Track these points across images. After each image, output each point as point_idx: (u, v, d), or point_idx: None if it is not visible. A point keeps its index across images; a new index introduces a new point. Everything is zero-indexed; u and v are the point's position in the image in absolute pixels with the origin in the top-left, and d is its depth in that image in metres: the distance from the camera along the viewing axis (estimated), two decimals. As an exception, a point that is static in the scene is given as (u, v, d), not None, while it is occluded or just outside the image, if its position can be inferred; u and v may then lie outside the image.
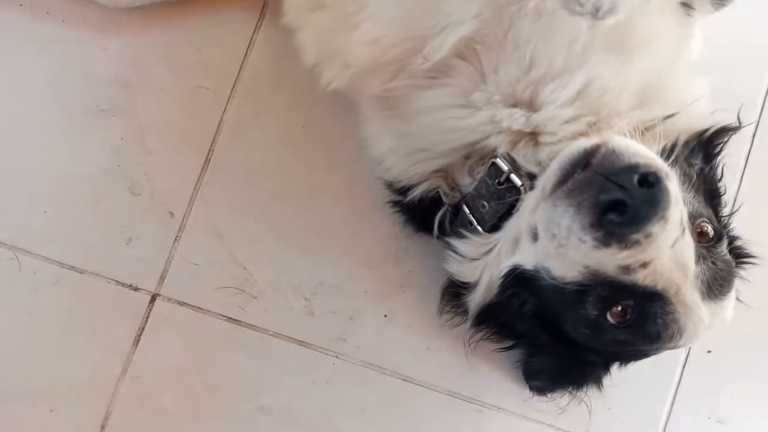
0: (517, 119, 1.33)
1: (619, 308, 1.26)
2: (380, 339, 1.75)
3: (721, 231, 1.32)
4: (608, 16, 1.12)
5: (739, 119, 1.50)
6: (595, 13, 1.12)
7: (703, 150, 1.41)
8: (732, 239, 1.46)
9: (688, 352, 1.80)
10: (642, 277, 1.20)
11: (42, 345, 1.68)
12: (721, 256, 1.30)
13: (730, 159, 1.71)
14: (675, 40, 1.40)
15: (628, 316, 1.27)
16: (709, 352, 1.81)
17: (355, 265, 1.75)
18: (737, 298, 1.51)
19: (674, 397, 1.80)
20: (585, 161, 1.17)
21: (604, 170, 1.14)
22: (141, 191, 1.70)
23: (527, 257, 1.33)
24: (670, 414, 1.79)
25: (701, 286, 1.26)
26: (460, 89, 1.37)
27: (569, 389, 1.61)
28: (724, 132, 1.44)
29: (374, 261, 1.75)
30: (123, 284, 1.70)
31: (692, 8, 1.43)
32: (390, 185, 1.58)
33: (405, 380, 1.75)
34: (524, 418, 1.76)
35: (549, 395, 1.69)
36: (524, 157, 1.36)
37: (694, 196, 1.32)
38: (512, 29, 1.29)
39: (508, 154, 1.36)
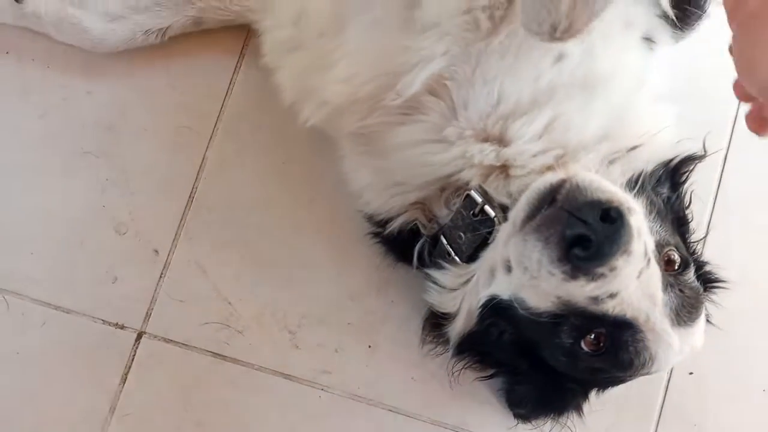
0: (487, 154, 1.37)
1: (593, 336, 1.30)
2: (365, 370, 1.77)
3: (688, 258, 1.35)
4: (566, 36, 1.15)
5: (704, 147, 1.53)
6: (553, 33, 1.15)
7: (669, 179, 1.45)
8: (701, 265, 1.49)
9: (670, 375, 1.82)
10: (611, 307, 1.23)
11: (30, 386, 1.70)
12: (688, 284, 1.33)
13: (701, 185, 1.76)
14: (637, 73, 1.44)
15: (602, 344, 1.30)
16: (691, 374, 1.83)
17: (338, 297, 1.77)
18: (709, 321, 1.54)
19: (658, 421, 1.81)
20: (551, 197, 1.21)
21: (568, 206, 1.18)
22: (126, 230, 1.73)
23: (503, 288, 1.37)
24: (655, 435, 1.81)
25: (670, 314, 1.29)
26: (432, 125, 1.40)
27: (551, 416, 1.62)
28: (689, 161, 1.48)
29: (357, 292, 1.78)
30: (109, 323, 1.72)
31: (654, 42, 1.46)
32: (370, 218, 1.62)
33: (391, 411, 1.76)
34: (511, 446, 1.77)
35: (533, 422, 1.69)
36: (496, 189, 1.39)
37: (661, 225, 1.36)
38: (479, 66, 1.33)
39: (481, 187, 1.39)
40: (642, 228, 1.22)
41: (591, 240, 1.14)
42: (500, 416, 1.76)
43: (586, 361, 1.33)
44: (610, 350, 1.30)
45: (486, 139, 1.38)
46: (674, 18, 1.42)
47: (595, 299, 1.22)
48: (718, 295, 1.54)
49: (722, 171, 1.87)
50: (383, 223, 1.59)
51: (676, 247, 1.34)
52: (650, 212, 1.36)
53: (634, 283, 1.22)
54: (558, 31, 1.15)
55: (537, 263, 1.20)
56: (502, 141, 1.38)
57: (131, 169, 1.76)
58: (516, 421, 1.72)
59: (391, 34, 1.35)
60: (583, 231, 1.14)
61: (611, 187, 1.23)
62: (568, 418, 1.64)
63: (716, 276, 1.53)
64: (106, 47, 1.70)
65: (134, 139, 1.77)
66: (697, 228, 1.74)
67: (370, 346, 1.77)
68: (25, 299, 1.70)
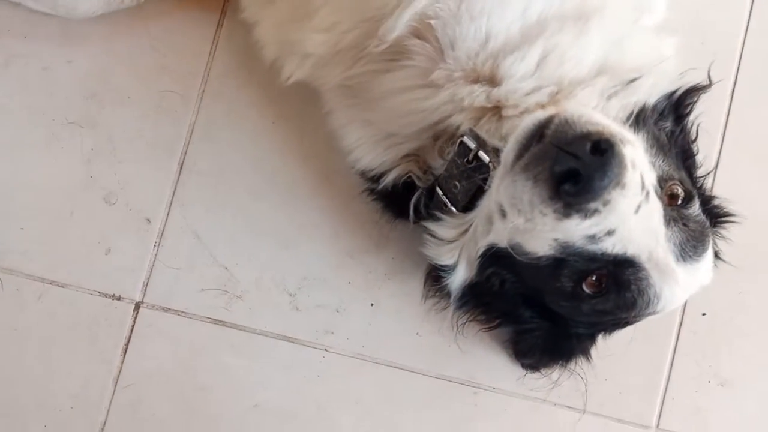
0: (478, 95, 1.31)
1: (594, 278, 1.26)
2: (368, 329, 1.73)
3: (692, 191, 1.29)
4: None
5: (709, 77, 1.47)
6: None
7: (673, 112, 1.39)
8: (708, 199, 1.44)
9: (683, 316, 1.78)
10: (611, 245, 1.18)
11: (30, 362, 1.68)
12: (693, 217, 1.27)
13: (710, 117, 1.70)
14: (633, 3, 1.37)
15: (604, 285, 1.26)
16: (704, 314, 1.78)
17: (337, 256, 1.74)
18: (719, 258, 1.49)
19: (672, 363, 1.77)
20: (540, 133, 1.15)
21: (557, 141, 1.12)
22: (116, 200, 1.70)
23: (500, 235, 1.32)
24: (669, 380, 1.77)
25: (674, 249, 1.24)
26: (419, 69, 1.35)
27: (560, 363, 1.58)
28: (693, 92, 1.42)
29: (356, 250, 1.74)
30: (106, 295, 1.69)
31: None
32: (362, 174, 1.57)
33: (397, 368, 1.73)
34: (521, 397, 1.74)
35: (542, 371, 1.66)
36: (489, 132, 1.34)
37: (663, 159, 1.30)
38: (464, 1, 1.27)
39: (472, 131, 1.34)
40: (637, 159, 1.16)
41: (581, 173, 1.08)
42: (508, 367, 1.72)
43: (589, 303, 1.29)
44: (612, 290, 1.25)
45: (476, 80, 1.32)
46: None
47: (593, 238, 1.17)
48: (727, 231, 1.48)
49: (731, 102, 1.80)
50: (376, 179, 1.54)
51: (681, 181, 1.28)
52: (652, 146, 1.30)
53: (632, 219, 1.16)
54: None
55: (529, 204, 1.15)
56: (493, 80, 1.32)
57: (117, 137, 1.72)
58: (525, 371, 1.68)
59: None
60: (572, 165, 1.08)
61: (603, 119, 1.17)
62: (576, 364, 1.60)
63: (725, 210, 1.48)
64: (82, 13, 1.65)
65: (118, 106, 1.72)
66: (705, 161, 1.70)
67: (372, 304, 1.74)
68: (18, 275, 1.68)
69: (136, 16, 1.72)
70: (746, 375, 1.78)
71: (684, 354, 1.77)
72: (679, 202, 1.26)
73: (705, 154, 1.73)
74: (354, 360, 1.73)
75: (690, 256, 1.26)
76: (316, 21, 1.39)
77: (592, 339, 1.51)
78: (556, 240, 1.21)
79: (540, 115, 1.17)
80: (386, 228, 1.70)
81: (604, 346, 1.69)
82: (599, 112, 1.30)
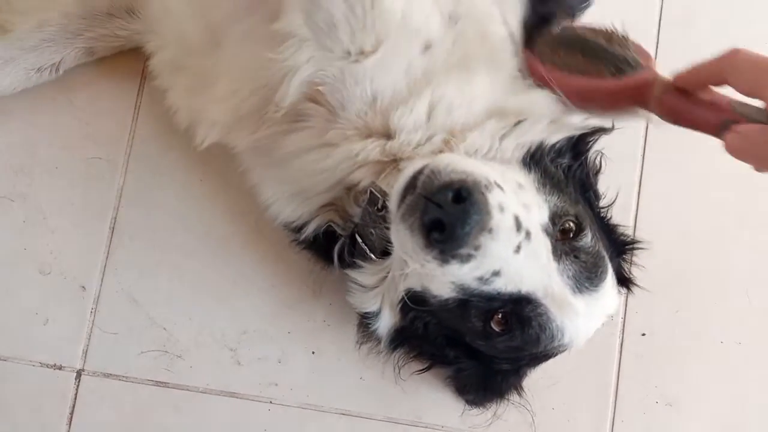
0: (372, 150, 1.34)
1: (499, 316, 1.28)
2: (312, 377, 1.75)
3: (583, 224, 1.30)
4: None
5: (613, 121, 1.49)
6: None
7: (571, 149, 1.40)
8: (612, 228, 1.46)
9: (622, 337, 1.79)
10: (502, 285, 1.21)
11: (-23, 438, 1.69)
12: (585, 249, 1.29)
13: (627, 144, 1.72)
14: None
15: (508, 323, 1.28)
16: (644, 335, 1.79)
17: (275, 307, 1.75)
18: (632, 284, 1.51)
19: (617, 387, 1.78)
20: (413, 184, 1.17)
21: (425, 191, 1.14)
22: (50, 270, 1.72)
23: (414, 280, 1.34)
24: (616, 404, 1.78)
25: (569, 282, 1.26)
26: (316, 130, 1.38)
27: (496, 399, 1.59)
28: (594, 133, 1.43)
29: (293, 300, 1.75)
30: (47, 365, 1.71)
31: None
32: (285, 226, 1.58)
33: (344, 414, 1.74)
34: (469, 433, 1.74)
35: (485, 406, 1.67)
36: (389, 185, 1.35)
37: (559, 196, 1.31)
38: (347, 68, 1.29)
39: (375, 184, 1.36)
40: (507, 202, 1.17)
41: (445, 223, 1.10)
42: (453, 405, 1.73)
43: (501, 341, 1.31)
44: (517, 327, 1.27)
45: (369, 135, 1.35)
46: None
47: (482, 279, 1.19)
48: (638, 256, 1.50)
49: (646, 130, 1.83)
50: (298, 230, 1.56)
51: (576, 215, 1.30)
52: (545, 184, 1.31)
53: (515, 259, 1.18)
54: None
55: (413, 251, 1.18)
56: (386, 134, 1.35)
57: (48, 208, 1.74)
58: (468, 407, 1.69)
59: (259, 48, 1.32)
60: (436, 215, 1.11)
61: (469, 166, 1.18)
62: (518, 396, 1.61)
63: (630, 238, 1.50)
64: (1, 90, 1.68)
65: (47, 177, 1.75)
66: (628, 187, 1.73)
67: (313, 352, 1.75)
68: (-41, 351, 1.69)
69: (57, 87, 1.74)
70: (693, 393, 1.79)
71: (628, 376, 1.78)
72: (571, 236, 1.28)
73: (628, 180, 1.78)
74: (300, 410, 1.74)
75: (586, 287, 1.27)
76: (216, 89, 1.43)
77: (517, 374, 1.52)
78: (453, 283, 1.23)
79: (416, 165, 1.19)
80: (321, 276, 1.70)
81: (548, 375, 1.71)
82: (494, 153, 1.32)
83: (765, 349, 1.81)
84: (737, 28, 1.88)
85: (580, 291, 1.27)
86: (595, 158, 1.47)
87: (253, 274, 1.75)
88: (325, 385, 1.74)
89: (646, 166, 1.82)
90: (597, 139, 1.44)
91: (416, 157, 1.32)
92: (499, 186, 1.18)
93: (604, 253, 1.33)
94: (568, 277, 1.26)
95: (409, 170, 1.20)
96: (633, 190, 1.81)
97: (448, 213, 1.10)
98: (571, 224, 1.28)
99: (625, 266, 1.52)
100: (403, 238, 1.19)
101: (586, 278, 1.28)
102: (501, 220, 1.15)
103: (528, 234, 1.19)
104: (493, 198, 1.14)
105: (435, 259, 1.15)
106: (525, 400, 1.63)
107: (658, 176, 1.81)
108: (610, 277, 1.35)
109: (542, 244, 1.23)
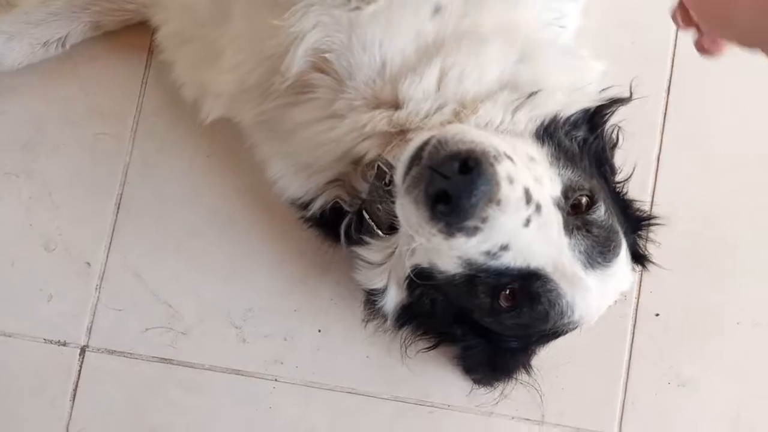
0: (379, 121, 1.32)
1: (507, 292, 1.26)
2: (318, 355, 1.73)
3: (596, 197, 1.27)
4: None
5: (631, 90, 1.46)
6: None
7: (587, 122, 1.38)
8: (627, 204, 1.44)
9: (636, 318, 1.76)
10: (511, 259, 1.19)
11: (-19, 413, 1.69)
12: (597, 222, 1.26)
13: (646, 121, 1.70)
14: (535, 22, 1.39)
15: (517, 299, 1.26)
16: (657, 315, 1.76)
17: (281, 285, 1.74)
18: (647, 261, 1.49)
19: (629, 367, 1.76)
20: (419, 155, 1.15)
21: (431, 162, 1.12)
22: (55, 246, 1.72)
23: (420, 255, 1.32)
24: (627, 385, 1.75)
25: (580, 257, 1.23)
26: (323, 101, 1.36)
27: (504, 378, 1.57)
28: (611, 104, 1.41)
29: (300, 277, 1.74)
30: (52, 341, 1.71)
31: None
32: (292, 202, 1.57)
33: (350, 393, 1.73)
34: (477, 412, 1.73)
35: (493, 385, 1.65)
36: (397, 157, 1.33)
37: (572, 169, 1.29)
38: (354, 32, 1.28)
39: (381, 157, 1.34)
40: (517, 174, 1.14)
41: (451, 194, 1.08)
42: (460, 384, 1.71)
43: (508, 317, 1.29)
44: (526, 304, 1.25)
45: (378, 106, 1.33)
46: None
47: (490, 254, 1.17)
48: (653, 233, 1.48)
49: (666, 104, 1.80)
50: (305, 206, 1.55)
51: (591, 189, 1.27)
52: (558, 158, 1.29)
53: (524, 232, 1.16)
54: None
55: (418, 225, 1.15)
56: (395, 104, 1.32)
57: (53, 184, 1.74)
58: (475, 387, 1.68)
59: (265, 16, 1.31)
60: (442, 186, 1.08)
61: (477, 136, 1.15)
62: (528, 375, 1.59)
63: (646, 213, 1.48)
64: (8, 65, 1.68)
65: (53, 153, 1.75)
66: (647, 162, 1.70)
67: (320, 330, 1.74)
68: (-36, 327, 1.69)
69: (64, 62, 1.75)
70: (707, 374, 1.76)
71: (641, 357, 1.76)
72: (583, 210, 1.25)
73: (645, 159, 1.75)
74: (305, 388, 1.73)
75: (598, 263, 1.25)
76: (222, 61, 1.43)
77: (526, 352, 1.50)
78: (460, 258, 1.21)
79: (423, 136, 1.17)
80: (328, 253, 1.68)
81: (559, 354, 1.69)
82: (506, 125, 1.30)
83: (781, 330, 1.76)
84: None
85: (592, 266, 1.25)
86: (612, 131, 1.44)
87: (260, 252, 1.74)
88: (331, 363, 1.73)
89: (665, 141, 1.79)
90: (614, 111, 1.42)
91: (425, 129, 1.29)
92: (509, 157, 1.15)
93: (618, 228, 1.31)
94: (579, 252, 1.23)
95: (415, 141, 1.18)
96: (651, 166, 1.78)
97: (454, 184, 1.08)
98: (585, 198, 1.26)
99: (641, 243, 1.50)
100: (408, 211, 1.16)
101: (599, 253, 1.25)
102: (510, 192, 1.12)
103: (538, 207, 1.16)
104: (502, 169, 1.12)
105: (440, 233, 1.13)
106: (533, 380, 1.61)
107: (677, 152, 1.79)
108: (624, 253, 1.32)
109: (553, 218, 1.20)
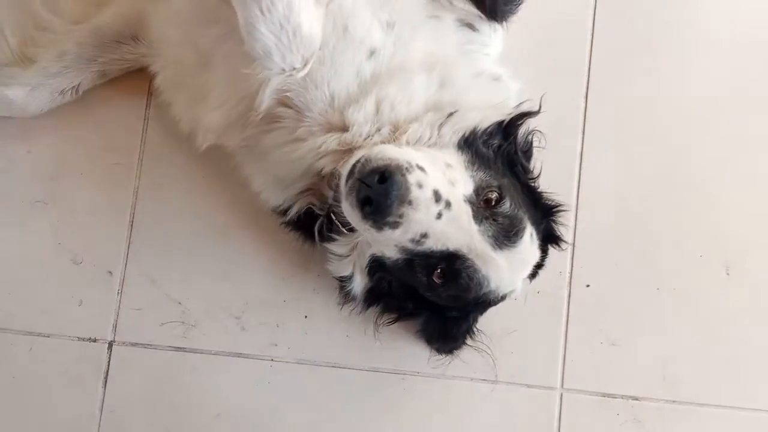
0: (330, 142, 1.64)
1: (438, 270, 1.58)
2: (306, 337, 2.06)
3: (503, 194, 1.58)
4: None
5: (540, 105, 1.77)
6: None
7: (501, 132, 1.69)
8: (539, 196, 1.74)
9: (570, 289, 2.08)
10: (433, 244, 1.52)
11: (30, 401, 2.03)
12: (503, 214, 1.58)
13: (570, 121, 2.01)
14: (455, 52, 1.71)
15: (445, 275, 1.58)
16: (588, 286, 2.08)
17: (272, 281, 2.07)
18: (562, 240, 1.81)
19: (566, 331, 2.07)
20: (353, 171, 1.49)
21: (359, 175, 1.46)
22: (82, 260, 2.05)
23: (374, 247, 1.66)
24: (566, 347, 2.06)
25: (489, 240, 1.55)
26: (288, 129, 1.69)
27: (456, 343, 1.89)
28: (521, 117, 1.71)
29: (287, 273, 2.07)
30: (84, 339, 2.04)
31: (475, 27, 1.74)
32: (273, 210, 1.90)
33: (334, 366, 2.05)
34: (442, 377, 2.05)
35: (451, 353, 1.97)
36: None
37: (486, 171, 1.61)
38: (307, 76, 1.60)
39: (336, 170, 1.65)
40: (425, 180, 1.47)
41: (372, 198, 1.42)
42: (425, 354, 2.02)
43: (443, 291, 1.62)
44: (452, 279, 1.58)
45: (330, 130, 1.65)
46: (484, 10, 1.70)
47: (414, 241, 1.50)
48: (563, 218, 1.81)
49: (585, 107, 2.12)
50: (284, 212, 1.87)
51: (499, 187, 1.59)
52: (473, 163, 1.61)
53: (438, 223, 1.49)
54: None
55: (357, 223, 1.50)
56: (344, 128, 1.64)
57: (77, 208, 2.07)
58: (437, 355, 1.99)
59: (238, 66, 1.62)
60: (367, 193, 1.43)
61: (394, 153, 1.48)
62: (481, 343, 1.91)
63: (554, 202, 1.78)
64: (32, 112, 2.01)
65: (75, 182, 2.08)
66: (572, 160, 2.02)
67: (306, 316, 2.06)
68: (10, 332, 2.03)
69: (79, 106, 2.07)
70: (633, 333, 2.08)
71: (576, 322, 2.08)
72: (493, 204, 1.57)
73: (570, 154, 2.07)
74: (297, 365, 2.05)
75: (505, 244, 1.57)
76: (209, 101, 1.75)
77: (467, 320, 1.82)
78: (396, 246, 1.55)
79: (357, 155, 1.50)
80: (309, 252, 2.00)
81: (507, 324, 2.02)
82: (434, 139, 1.62)
83: (697, 293, 2.10)
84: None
85: (500, 247, 1.57)
86: (527, 137, 1.75)
87: (252, 253, 2.07)
88: (317, 343, 2.06)
89: (586, 138, 2.11)
90: (524, 122, 1.73)
91: (366, 147, 1.62)
92: (420, 168, 1.48)
93: (523, 216, 1.62)
94: (488, 236, 1.56)
95: (351, 160, 1.51)
96: (575, 160, 2.09)
97: (375, 191, 1.43)
98: (494, 194, 1.58)
99: (557, 227, 1.81)
100: (349, 212, 1.51)
101: (505, 237, 1.57)
102: (419, 194, 1.46)
103: (448, 204, 1.50)
104: (413, 177, 1.45)
105: (372, 227, 1.48)
106: (487, 346, 1.93)
107: (597, 147, 2.10)
108: (529, 236, 1.63)
109: (463, 211, 1.53)
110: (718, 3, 2.18)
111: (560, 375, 2.07)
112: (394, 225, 1.46)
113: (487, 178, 1.60)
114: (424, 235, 1.50)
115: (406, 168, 1.46)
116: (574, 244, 2.07)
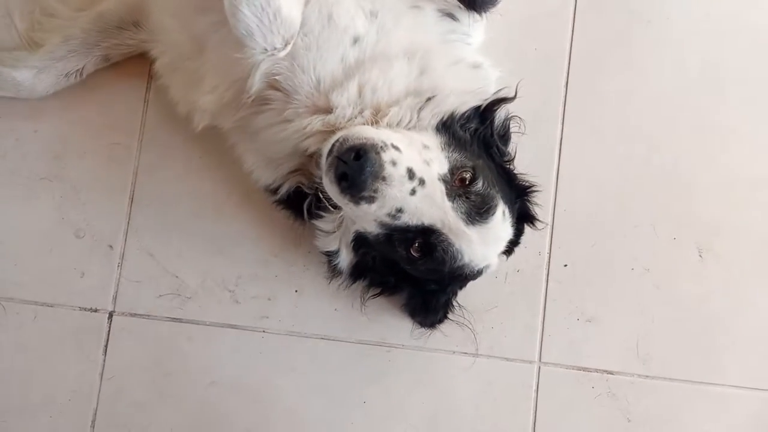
0: (315, 123, 1.74)
1: (416, 244, 1.69)
2: (296, 310, 2.17)
3: (476, 174, 1.68)
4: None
5: (516, 91, 1.86)
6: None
7: (479, 116, 1.79)
8: (513, 177, 1.84)
9: (549, 268, 2.18)
10: (408, 219, 1.62)
11: (34, 367, 2.14)
12: (476, 192, 1.67)
13: (549, 105, 2.11)
14: (435, 41, 1.80)
15: (422, 249, 1.68)
16: (566, 265, 2.18)
17: (264, 256, 2.18)
18: (536, 219, 1.91)
19: (545, 308, 2.17)
20: (332, 150, 1.59)
21: (338, 153, 1.57)
22: (84, 234, 2.16)
23: (357, 223, 1.76)
24: (544, 322, 2.17)
25: (462, 216, 1.65)
26: (277, 110, 1.79)
27: (436, 315, 2.00)
28: (498, 102, 1.81)
29: (278, 250, 2.18)
30: (85, 309, 2.15)
31: (455, 17, 1.83)
32: (265, 189, 2.00)
33: (322, 339, 2.16)
34: (425, 349, 2.15)
35: (433, 326, 2.07)
36: None
37: (461, 152, 1.70)
38: (295, 60, 1.70)
39: (320, 150, 1.74)
40: (399, 158, 1.57)
41: (348, 174, 1.52)
42: (410, 327, 2.13)
43: (421, 264, 1.72)
44: (428, 252, 1.68)
45: (315, 112, 1.75)
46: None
47: (390, 215, 1.60)
48: (537, 197, 1.92)
49: (565, 95, 2.21)
50: (275, 191, 1.97)
51: (473, 167, 1.68)
52: (450, 144, 1.71)
53: (412, 199, 1.59)
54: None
55: (336, 198, 1.60)
56: (328, 110, 1.74)
57: (80, 185, 2.18)
58: (418, 328, 2.10)
59: (231, 51, 1.72)
60: (343, 169, 1.53)
61: (369, 133, 1.58)
62: (462, 317, 2.02)
63: (528, 183, 1.88)
64: (38, 93, 2.11)
65: (78, 161, 2.18)
66: (551, 145, 2.12)
67: (296, 291, 2.17)
68: (16, 301, 2.14)
69: (83, 88, 2.17)
70: (609, 310, 2.18)
71: (554, 299, 2.18)
72: (467, 183, 1.67)
73: (550, 139, 2.17)
74: (287, 337, 2.16)
75: (477, 220, 1.67)
76: (204, 85, 1.84)
77: (445, 293, 1.93)
78: (374, 221, 1.65)
79: (336, 135, 1.61)
80: (299, 230, 2.10)
81: (488, 301, 2.12)
82: (414, 122, 1.72)
83: (670, 274, 2.20)
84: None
85: (473, 223, 1.67)
86: (505, 122, 1.85)
87: (246, 230, 2.17)
88: (307, 316, 2.17)
89: (565, 124, 2.20)
90: (500, 107, 1.83)
91: (348, 128, 1.71)
92: (395, 147, 1.58)
93: (495, 195, 1.71)
94: (461, 212, 1.65)
95: (331, 139, 1.61)
96: (555, 145, 2.19)
97: (351, 167, 1.53)
98: (468, 174, 1.67)
99: (531, 206, 1.91)
100: (329, 187, 1.61)
101: (477, 213, 1.67)
102: (393, 171, 1.56)
103: (422, 181, 1.60)
104: (387, 156, 1.55)
105: (350, 201, 1.58)
106: (468, 321, 2.04)
107: (576, 134, 2.20)
108: (501, 213, 1.72)
109: (437, 189, 1.63)
110: (694, -4, 2.26)
111: (538, 349, 2.17)
112: (370, 200, 1.56)
113: (462, 159, 1.70)
114: (400, 210, 1.60)
115: (381, 147, 1.56)
116: (553, 225, 2.17)
